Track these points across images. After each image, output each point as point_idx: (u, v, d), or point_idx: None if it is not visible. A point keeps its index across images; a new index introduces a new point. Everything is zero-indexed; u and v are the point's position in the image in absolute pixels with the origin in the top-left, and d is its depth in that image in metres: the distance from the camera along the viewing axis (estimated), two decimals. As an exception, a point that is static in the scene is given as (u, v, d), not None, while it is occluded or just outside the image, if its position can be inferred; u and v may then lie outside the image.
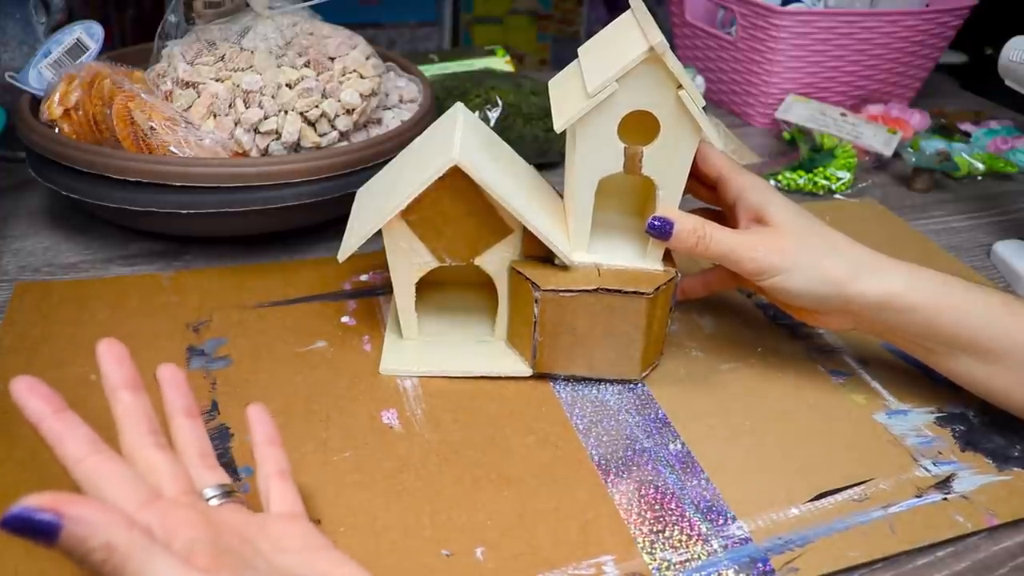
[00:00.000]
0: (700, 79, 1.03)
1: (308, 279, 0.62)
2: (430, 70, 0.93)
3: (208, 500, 0.35)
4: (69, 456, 0.32)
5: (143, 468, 0.34)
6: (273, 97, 0.61)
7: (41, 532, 0.26)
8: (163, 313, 0.57)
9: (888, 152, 0.87)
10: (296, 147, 0.62)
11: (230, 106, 0.61)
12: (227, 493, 0.36)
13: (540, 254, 0.51)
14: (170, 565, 0.28)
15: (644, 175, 0.48)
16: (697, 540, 0.43)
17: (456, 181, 0.46)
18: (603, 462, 0.47)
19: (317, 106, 0.61)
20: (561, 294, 0.49)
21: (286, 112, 0.61)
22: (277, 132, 0.61)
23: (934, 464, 0.49)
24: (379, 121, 0.69)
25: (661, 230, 0.49)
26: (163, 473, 0.34)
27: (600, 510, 0.44)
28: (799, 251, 0.48)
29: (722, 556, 0.42)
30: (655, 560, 0.41)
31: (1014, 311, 0.47)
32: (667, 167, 0.48)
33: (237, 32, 0.64)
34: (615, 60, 0.45)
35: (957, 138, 0.95)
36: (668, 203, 0.49)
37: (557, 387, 0.53)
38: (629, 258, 0.51)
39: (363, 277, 0.62)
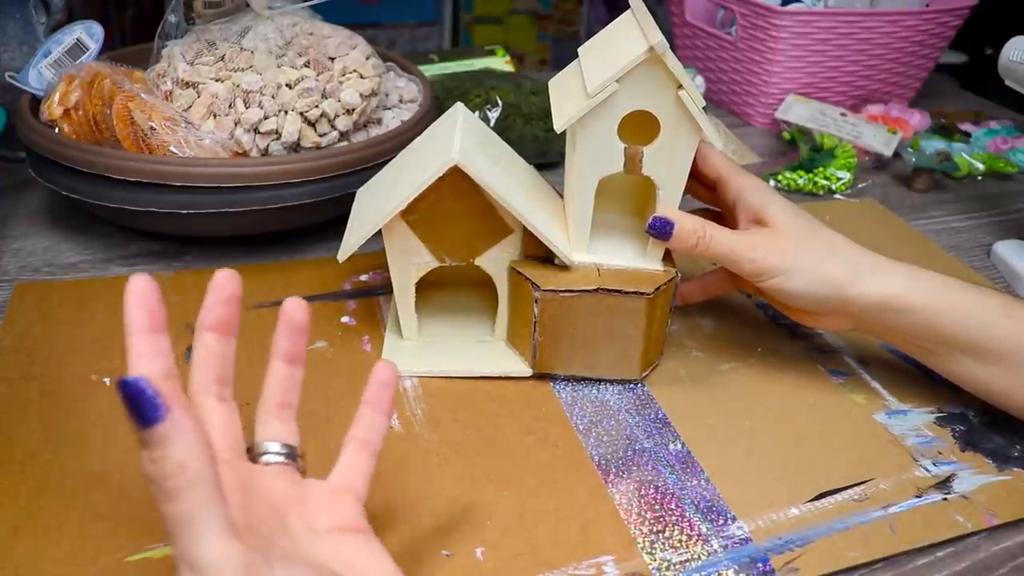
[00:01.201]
0: (700, 79, 1.03)
1: (308, 279, 0.62)
2: (430, 70, 0.93)
3: (263, 455, 0.34)
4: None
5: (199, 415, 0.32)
6: (273, 97, 0.61)
7: (143, 410, 0.26)
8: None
9: (888, 152, 0.87)
10: (296, 147, 0.62)
11: (230, 106, 0.61)
12: (287, 455, 0.35)
13: (540, 254, 0.51)
14: (221, 524, 0.27)
15: (644, 175, 0.48)
16: (697, 540, 0.43)
17: (456, 181, 0.46)
18: (603, 462, 0.47)
19: (317, 106, 0.61)
20: (561, 294, 0.49)
21: (286, 112, 0.61)
22: (277, 132, 0.61)
23: (934, 464, 0.49)
24: (379, 121, 0.69)
25: (661, 230, 0.49)
26: (213, 425, 0.33)
27: (600, 510, 0.44)
28: (798, 252, 0.48)
29: (722, 556, 0.42)
30: (655, 560, 0.41)
31: (1013, 313, 0.47)
32: (667, 167, 0.48)
33: (237, 32, 0.64)
34: (615, 60, 0.45)
35: (957, 138, 0.95)
36: (668, 203, 0.49)
37: (557, 387, 0.53)
38: (629, 258, 0.51)
39: (363, 277, 0.62)
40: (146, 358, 0.30)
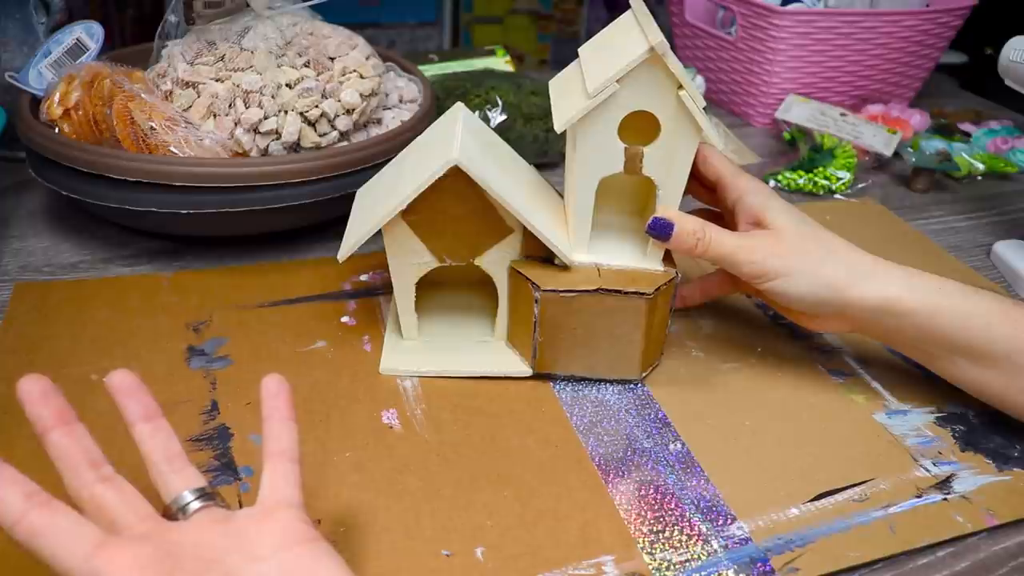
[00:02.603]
0: (700, 79, 1.03)
1: (308, 279, 0.62)
2: (430, 70, 0.93)
3: (183, 507, 0.34)
4: (4, 519, 0.30)
5: (92, 508, 0.32)
6: (273, 97, 0.61)
7: None
8: (163, 313, 0.57)
9: (888, 152, 0.87)
10: (296, 147, 0.62)
11: (230, 106, 0.61)
12: (203, 495, 0.34)
13: (540, 254, 0.51)
14: None
15: (644, 175, 0.48)
16: (697, 540, 0.43)
17: (456, 181, 0.46)
18: (603, 462, 0.47)
19: (317, 106, 0.61)
20: (561, 294, 0.49)
21: (286, 112, 0.61)
22: (277, 132, 0.61)
23: (934, 464, 0.49)
24: (379, 121, 0.69)
25: (661, 231, 0.49)
26: (113, 507, 0.32)
27: (600, 510, 0.44)
28: (798, 255, 0.48)
29: (722, 556, 0.42)
30: (655, 560, 0.41)
31: (1011, 316, 0.47)
32: (667, 167, 0.48)
33: (237, 32, 0.64)
34: (615, 60, 0.45)
35: (957, 138, 0.95)
36: (668, 203, 0.49)
37: (557, 387, 0.53)
38: (629, 258, 0.51)
39: (363, 277, 0.62)
40: (3, 491, 0.30)
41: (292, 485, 0.36)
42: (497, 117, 0.77)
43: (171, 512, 0.34)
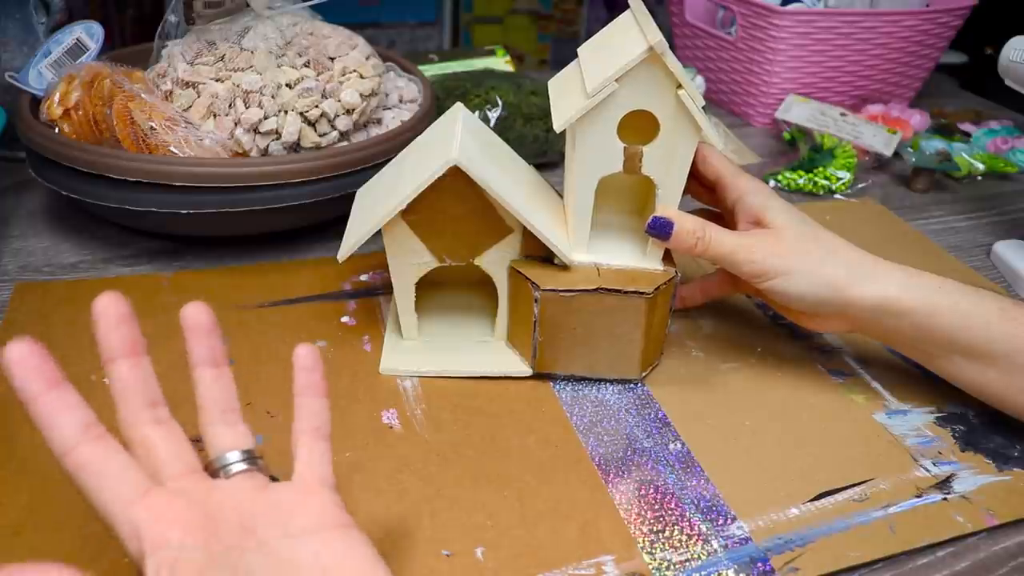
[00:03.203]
0: (700, 79, 1.03)
1: (308, 279, 0.62)
2: (430, 70, 0.93)
3: (226, 467, 0.33)
4: (57, 446, 0.30)
5: (140, 449, 0.32)
6: (273, 97, 0.61)
7: None
8: (163, 313, 0.57)
9: (888, 152, 0.87)
10: (296, 147, 0.62)
11: (230, 106, 0.61)
12: (248, 459, 0.34)
13: (540, 254, 0.51)
14: None
15: (644, 175, 0.48)
16: (697, 540, 0.43)
17: (456, 181, 0.46)
18: (603, 462, 0.47)
19: (317, 106, 0.61)
20: (561, 294, 0.49)
21: (286, 112, 0.61)
22: (277, 132, 0.61)
23: (934, 464, 0.49)
24: (379, 121, 0.69)
25: (660, 230, 0.49)
26: (161, 453, 0.32)
27: (600, 510, 0.44)
28: (798, 255, 0.48)
29: (722, 556, 0.42)
30: (655, 560, 0.41)
31: (1010, 315, 0.47)
32: (667, 167, 0.48)
33: (237, 32, 0.64)
34: (615, 60, 0.45)
35: (957, 138, 0.95)
36: (667, 203, 0.49)
37: (557, 387, 0.53)
38: (629, 258, 0.51)
39: (363, 277, 0.62)
40: (61, 416, 0.30)
41: (327, 464, 0.35)
42: (495, 115, 0.77)
43: (213, 468, 0.33)
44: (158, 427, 0.33)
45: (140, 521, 0.29)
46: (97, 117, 0.60)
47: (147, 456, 0.32)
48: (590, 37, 0.51)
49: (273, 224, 0.63)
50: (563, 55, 1.90)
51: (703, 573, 0.41)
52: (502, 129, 0.77)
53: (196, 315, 0.35)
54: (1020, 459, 0.49)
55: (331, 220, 0.65)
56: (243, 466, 0.33)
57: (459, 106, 0.52)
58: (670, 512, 0.44)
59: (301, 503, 0.33)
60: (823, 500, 0.45)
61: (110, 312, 0.32)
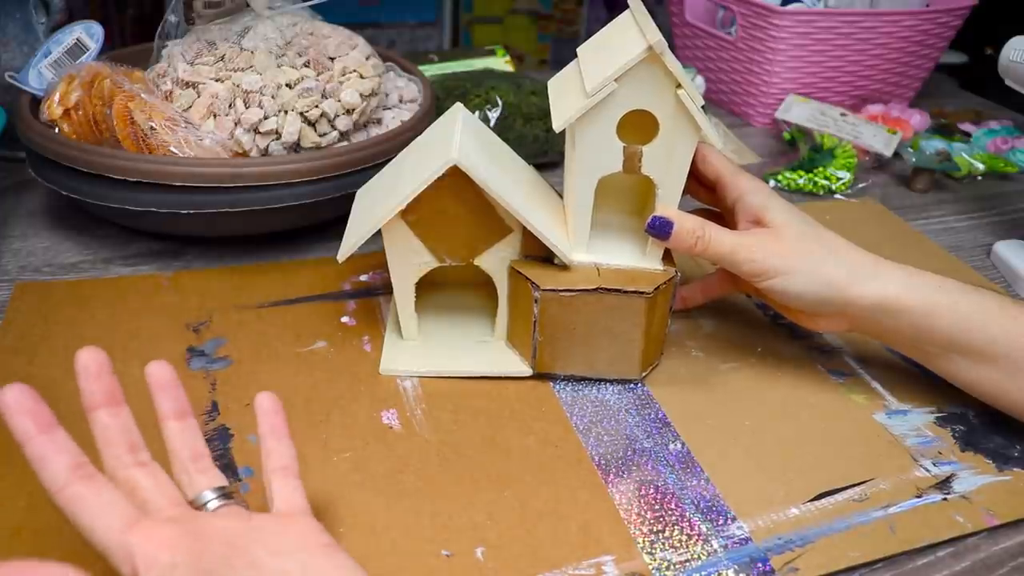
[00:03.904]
0: (700, 79, 1.03)
1: (308, 279, 0.62)
2: (430, 70, 0.93)
3: (205, 504, 0.35)
4: (49, 483, 0.31)
5: (125, 487, 0.34)
6: (273, 97, 0.61)
7: None
8: (163, 313, 0.57)
9: (888, 152, 0.87)
10: (296, 147, 0.62)
11: (230, 106, 0.61)
12: (224, 495, 0.35)
13: (540, 254, 0.51)
14: None
15: (643, 174, 0.48)
16: (697, 540, 0.43)
17: (456, 181, 0.46)
18: (603, 462, 0.47)
19: (317, 106, 0.61)
20: (561, 294, 0.49)
21: (286, 112, 0.61)
22: (277, 132, 0.61)
23: (934, 464, 0.49)
24: (379, 121, 0.69)
25: (660, 230, 0.49)
26: (146, 490, 0.34)
27: (600, 510, 0.44)
28: (799, 254, 0.48)
29: (722, 556, 0.42)
30: (655, 560, 0.41)
31: (1010, 314, 0.47)
32: (666, 166, 0.48)
33: (237, 32, 0.64)
34: (614, 60, 0.45)
35: (957, 138, 0.95)
36: (667, 202, 0.49)
37: (557, 387, 0.53)
38: (628, 258, 0.51)
39: (363, 277, 0.62)
40: (52, 458, 0.32)
41: (301, 497, 0.37)
42: (495, 115, 0.77)
43: (195, 506, 0.35)
44: (141, 468, 0.35)
45: (132, 544, 0.30)
46: (97, 117, 0.60)
47: (133, 493, 0.34)
48: (590, 37, 0.51)
49: (273, 224, 0.63)
50: (563, 55, 1.90)
51: (703, 573, 0.41)
52: (502, 129, 0.77)
53: (159, 372, 0.37)
54: (1020, 459, 0.49)
55: (331, 220, 0.65)
56: (220, 502, 0.35)
57: (459, 106, 0.52)
58: (670, 512, 0.44)
59: (284, 526, 0.35)
60: (823, 500, 0.45)
61: (91, 366, 0.35)
